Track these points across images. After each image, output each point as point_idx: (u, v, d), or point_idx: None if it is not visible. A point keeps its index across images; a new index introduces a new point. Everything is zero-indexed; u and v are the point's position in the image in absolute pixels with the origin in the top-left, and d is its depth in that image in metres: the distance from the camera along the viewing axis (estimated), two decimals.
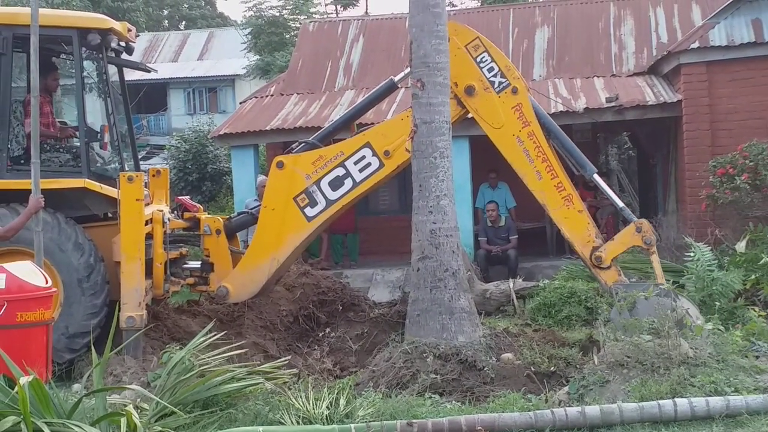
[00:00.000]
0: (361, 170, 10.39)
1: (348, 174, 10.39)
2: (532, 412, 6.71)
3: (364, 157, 10.38)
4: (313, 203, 10.40)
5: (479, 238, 16.13)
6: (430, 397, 7.59)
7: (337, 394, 6.92)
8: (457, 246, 9.60)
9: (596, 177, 10.45)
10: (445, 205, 9.44)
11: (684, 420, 6.67)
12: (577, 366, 8.77)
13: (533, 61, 18.27)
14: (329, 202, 10.41)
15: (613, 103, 15.49)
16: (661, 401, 6.77)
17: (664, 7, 18.72)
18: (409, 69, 10.62)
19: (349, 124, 11.11)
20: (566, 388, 7.75)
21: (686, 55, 15.00)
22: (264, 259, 10.50)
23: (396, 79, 10.79)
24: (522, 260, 15.88)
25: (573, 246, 10.38)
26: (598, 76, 17.50)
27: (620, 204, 10.55)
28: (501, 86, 10.21)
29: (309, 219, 10.42)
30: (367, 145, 10.39)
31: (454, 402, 7.57)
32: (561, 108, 15.41)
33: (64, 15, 11.43)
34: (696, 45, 14.79)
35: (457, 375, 8.50)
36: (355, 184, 10.41)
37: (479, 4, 35.25)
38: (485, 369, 8.62)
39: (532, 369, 8.73)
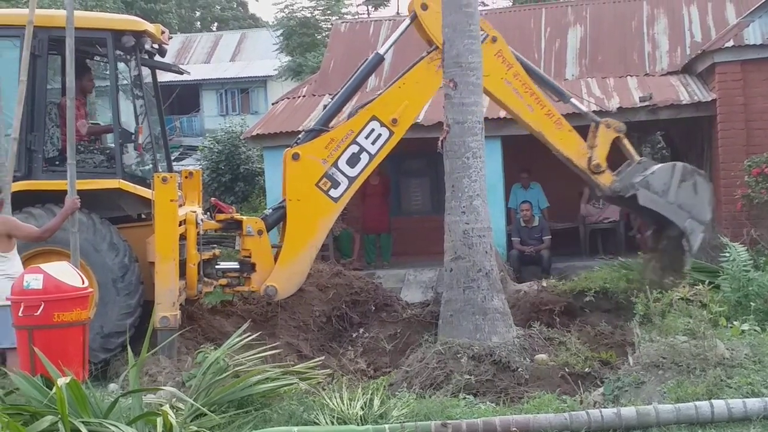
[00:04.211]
0: (373, 143, 10.81)
1: (362, 149, 10.79)
2: (567, 414, 6.67)
3: (373, 130, 10.82)
4: (335, 184, 10.72)
5: (512, 239, 16.08)
6: (465, 398, 7.55)
7: (372, 394, 6.92)
8: (490, 246, 9.60)
9: (573, 100, 11.99)
10: (478, 206, 9.45)
11: (721, 421, 6.61)
12: (612, 367, 8.74)
13: (566, 61, 18.17)
14: (351, 179, 10.78)
15: (646, 103, 15.36)
16: (697, 402, 6.71)
17: (698, 5, 18.55)
18: (393, 38, 11.22)
19: (345, 105, 11.47)
20: (601, 389, 7.70)
21: (721, 54, 14.85)
22: (303, 248, 10.73)
23: (382, 51, 11.27)
24: (555, 260, 15.80)
25: (572, 161, 11.55)
26: (631, 76, 17.36)
27: (585, 110, 12.23)
28: (481, 38, 10.44)
29: (335, 200, 10.76)
30: (374, 118, 10.83)
31: (488, 403, 7.54)
32: (594, 107, 15.32)
33: (99, 17, 11.48)
34: (731, 44, 14.65)
35: (490, 376, 8.48)
36: (372, 157, 10.85)
37: (511, 3, 35.14)
38: (519, 370, 8.60)
39: (567, 370, 8.69)
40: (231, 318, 11.34)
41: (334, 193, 10.70)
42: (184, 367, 9.15)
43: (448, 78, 9.49)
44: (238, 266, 10.92)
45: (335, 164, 10.68)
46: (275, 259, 10.73)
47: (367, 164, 10.81)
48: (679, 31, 18.22)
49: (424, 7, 10.80)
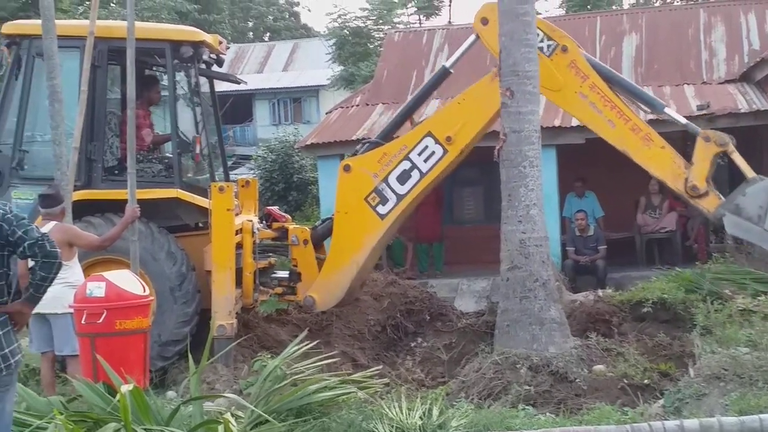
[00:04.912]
0: (426, 160, 10.38)
1: (414, 166, 10.39)
2: (629, 425, 6.59)
3: (427, 146, 10.37)
4: (383, 200, 10.43)
5: (567, 248, 15.98)
6: (524, 409, 7.51)
7: (430, 404, 6.90)
8: (547, 256, 9.55)
9: (667, 110, 10.40)
10: (535, 215, 9.39)
11: None
12: (672, 378, 8.64)
13: (621, 69, 17.95)
14: (399, 197, 10.42)
15: (704, 111, 15.19)
16: (761, 415, 6.60)
17: (756, 12, 18.33)
18: (460, 51, 10.67)
19: (407, 118, 11.13)
20: (661, 401, 7.63)
21: None
22: (344, 263, 10.56)
23: (448, 65, 10.77)
24: (610, 270, 15.68)
25: (665, 184, 10.29)
26: (688, 84, 17.19)
27: (684, 121, 10.41)
28: (550, 49, 10.13)
29: (382, 217, 10.46)
30: (429, 134, 10.39)
31: (547, 414, 7.49)
32: (651, 116, 15.18)
33: (158, 28, 11.63)
34: None
35: (548, 386, 8.44)
36: (423, 175, 10.42)
37: (564, 11, 34.95)
38: (577, 381, 8.54)
39: (625, 381, 8.60)
40: (286, 326, 11.39)
41: (381, 209, 10.43)
42: (240, 375, 9.21)
43: (504, 87, 9.44)
44: (287, 275, 10.97)
45: (386, 179, 10.40)
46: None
47: (417, 182, 10.41)
48: (737, 38, 18.01)
49: (485, 21, 10.27)
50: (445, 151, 10.36)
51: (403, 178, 10.41)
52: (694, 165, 9.86)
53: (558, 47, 10.13)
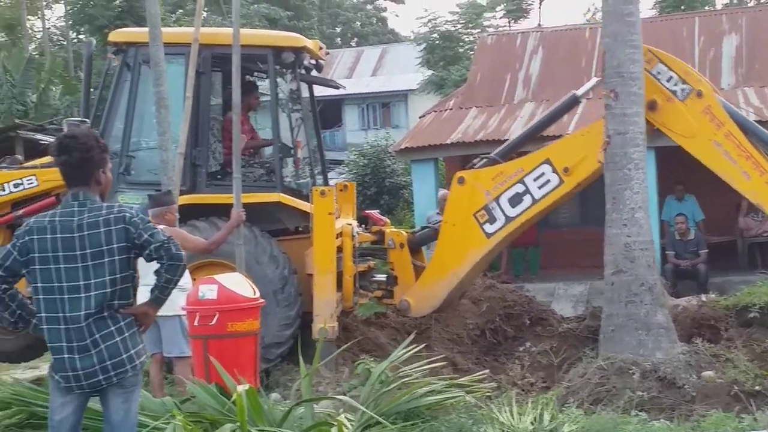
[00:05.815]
0: (540, 187, 10.10)
1: (527, 191, 10.13)
2: None
3: (543, 173, 10.08)
4: (492, 219, 10.24)
5: (666, 252, 15.72)
6: (636, 415, 7.39)
7: (541, 409, 6.84)
8: (653, 260, 9.38)
9: None
10: (640, 218, 9.25)
11: None
12: None
13: (721, 70, 17.69)
14: (508, 219, 10.20)
15: None
16: None
17: None
18: (592, 82, 10.42)
19: (529, 140, 10.94)
20: None
21: None
22: (444, 274, 10.49)
23: (578, 93, 10.47)
24: (711, 275, 15.37)
25: None
26: None
27: None
28: (684, 93, 9.66)
29: (488, 235, 10.28)
30: (547, 161, 10.09)
31: (662, 420, 7.36)
32: (753, 118, 14.82)
33: (260, 34, 11.79)
34: None
35: (656, 392, 8.28)
36: (534, 202, 10.14)
37: (657, 12, 34.47)
38: (686, 387, 8.36)
39: (736, 387, 8.41)
40: (385, 330, 11.38)
41: (488, 227, 10.25)
42: (342, 378, 9.24)
43: (608, 88, 9.31)
44: (385, 279, 10.99)
45: (497, 199, 10.20)
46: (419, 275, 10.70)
47: (528, 207, 10.15)
48: None
49: None
50: (561, 182, 10.05)
51: (514, 200, 10.18)
52: None
53: (693, 92, 9.62)
